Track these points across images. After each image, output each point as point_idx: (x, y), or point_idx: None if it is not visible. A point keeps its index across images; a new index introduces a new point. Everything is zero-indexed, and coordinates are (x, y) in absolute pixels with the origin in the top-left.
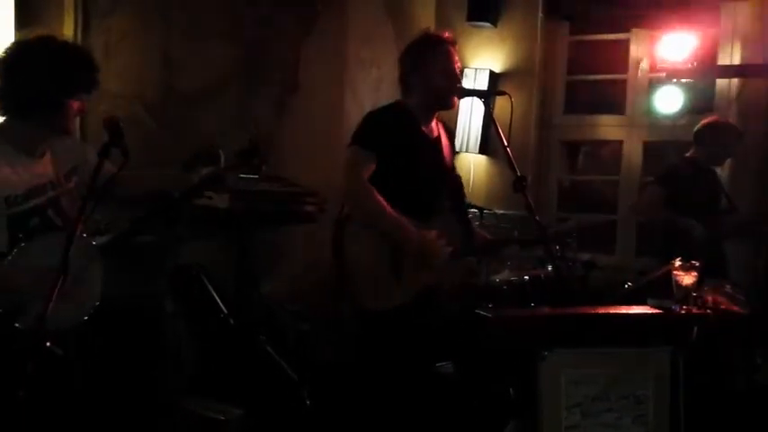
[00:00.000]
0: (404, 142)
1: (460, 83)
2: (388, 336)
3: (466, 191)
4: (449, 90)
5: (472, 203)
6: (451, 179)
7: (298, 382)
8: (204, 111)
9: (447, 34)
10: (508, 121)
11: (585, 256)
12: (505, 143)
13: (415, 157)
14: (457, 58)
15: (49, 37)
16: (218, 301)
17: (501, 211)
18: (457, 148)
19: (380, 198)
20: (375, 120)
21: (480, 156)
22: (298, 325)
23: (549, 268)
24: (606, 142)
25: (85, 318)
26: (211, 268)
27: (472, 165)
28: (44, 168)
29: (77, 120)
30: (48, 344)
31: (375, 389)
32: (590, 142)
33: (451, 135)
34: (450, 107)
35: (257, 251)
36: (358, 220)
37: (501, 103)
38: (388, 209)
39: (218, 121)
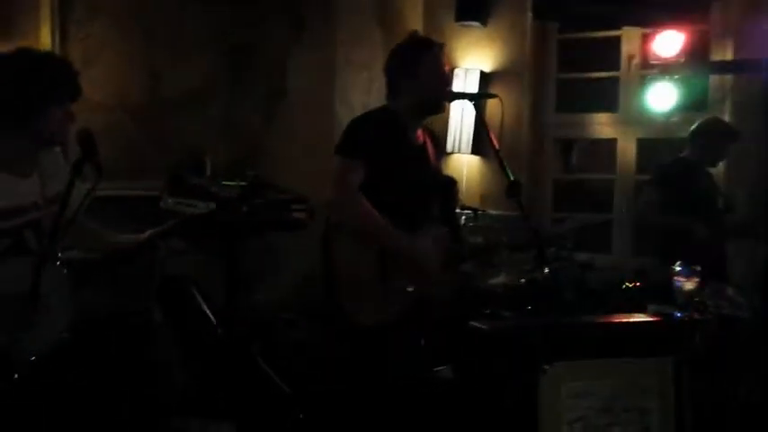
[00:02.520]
0: (390, 150)
1: (450, 86)
2: (379, 350)
3: (460, 193)
4: (438, 93)
5: (466, 205)
6: (439, 187)
7: (290, 394)
8: (189, 118)
9: (433, 38)
10: (499, 123)
11: (582, 257)
12: (497, 147)
13: (402, 165)
14: (445, 60)
15: (27, 48)
16: (208, 312)
17: (496, 212)
18: (449, 149)
19: (371, 207)
20: (360, 126)
21: (473, 156)
22: (291, 334)
23: (546, 271)
24: (600, 140)
25: (46, 350)
26: (201, 278)
27: (465, 166)
28: (29, 189)
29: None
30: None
31: (369, 401)
32: (583, 141)
33: (438, 141)
34: (440, 111)
35: (248, 259)
36: (348, 230)
37: (492, 104)
38: (380, 218)
39: (204, 128)
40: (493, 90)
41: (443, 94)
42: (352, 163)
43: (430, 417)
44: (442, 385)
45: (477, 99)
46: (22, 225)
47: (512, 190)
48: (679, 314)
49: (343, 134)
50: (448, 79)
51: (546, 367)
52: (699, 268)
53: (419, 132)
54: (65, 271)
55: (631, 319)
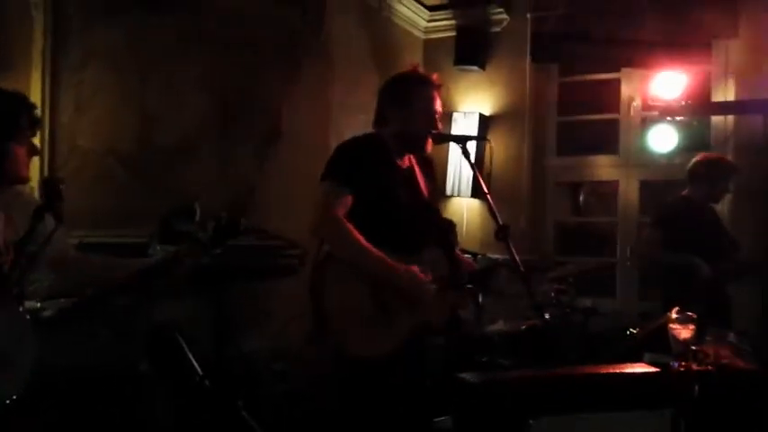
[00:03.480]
0: (378, 174)
1: (438, 127)
2: (376, 386)
3: (460, 236)
4: (425, 131)
5: (466, 249)
6: (432, 210)
7: None
8: (183, 163)
9: (434, 76)
10: (489, 166)
11: (587, 302)
12: (486, 190)
13: (391, 189)
14: (439, 102)
15: None
16: (194, 362)
17: (496, 256)
18: (449, 193)
19: (359, 235)
20: (347, 152)
21: (473, 200)
22: (279, 385)
23: (546, 317)
24: (602, 183)
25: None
26: (190, 326)
27: (465, 209)
28: (28, 229)
29: (31, 165)
30: None
31: None
32: (585, 183)
33: (429, 166)
34: (424, 150)
35: (238, 307)
36: (339, 259)
37: (493, 145)
38: (369, 246)
39: (198, 173)
40: (493, 133)
41: (429, 132)
42: (340, 189)
43: None
44: None
45: (464, 141)
46: None
47: (500, 233)
48: (676, 364)
49: (329, 159)
50: (437, 119)
51: (531, 422)
52: (695, 315)
53: (405, 157)
54: (27, 317)
55: (624, 370)
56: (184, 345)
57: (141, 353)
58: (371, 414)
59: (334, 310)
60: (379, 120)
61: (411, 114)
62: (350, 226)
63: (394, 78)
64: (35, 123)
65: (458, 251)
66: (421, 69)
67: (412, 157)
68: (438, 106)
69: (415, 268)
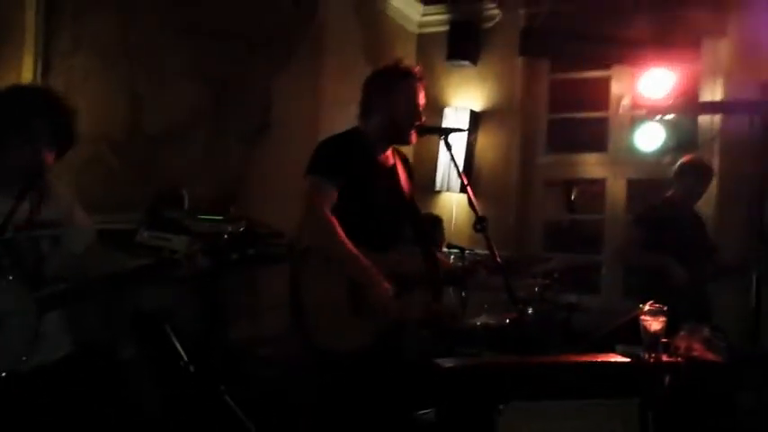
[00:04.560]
0: (360, 170)
1: (421, 120)
2: (349, 378)
3: (448, 231)
4: (408, 124)
5: (453, 243)
6: (411, 209)
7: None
8: (172, 151)
9: (417, 69)
10: (488, 162)
11: (571, 298)
12: (465, 182)
13: (372, 186)
14: (422, 95)
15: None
16: (179, 347)
17: (483, 252)
18: (438, 188)
19: (343, 235)
20: (331, 147)
21: (462, 195)
22: (263, 371)
23: (530, 311)
24: (590, 181)
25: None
26: (178, 313)
27: (454, 204)
28: (10, 209)
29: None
30: None
31: None
32: (573, 181)
33: (410, 166)
34: (408, 142)
35: (225, 294)
36: (319, 253)
37: (483, 141)
38: (355, 251)
39: (187, 161)
40: (483, 129)
41: (413, 125)
42: (326, 182)
43: None
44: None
45: (446, 133)
46: None
47: (478, 225)
48: (646, 355)
49: (314, 154)
50: (420, 111)
51: (501, 407)
52: (665, 308)
53: (389, 154)
54: (29, 294)
55: (595, 360)
56: (169, 330)
57: (126, 338)
58: (346, 405)
59: (310, 303)
60: (364, 112)
61: (395, 105)
62: (338, 227)
63: (378, 71)
64: (43, 129)
65: (439, 249)
66: (406, 62)
67: (397, 156)
68: (421, 99)
69: (387, 287)
